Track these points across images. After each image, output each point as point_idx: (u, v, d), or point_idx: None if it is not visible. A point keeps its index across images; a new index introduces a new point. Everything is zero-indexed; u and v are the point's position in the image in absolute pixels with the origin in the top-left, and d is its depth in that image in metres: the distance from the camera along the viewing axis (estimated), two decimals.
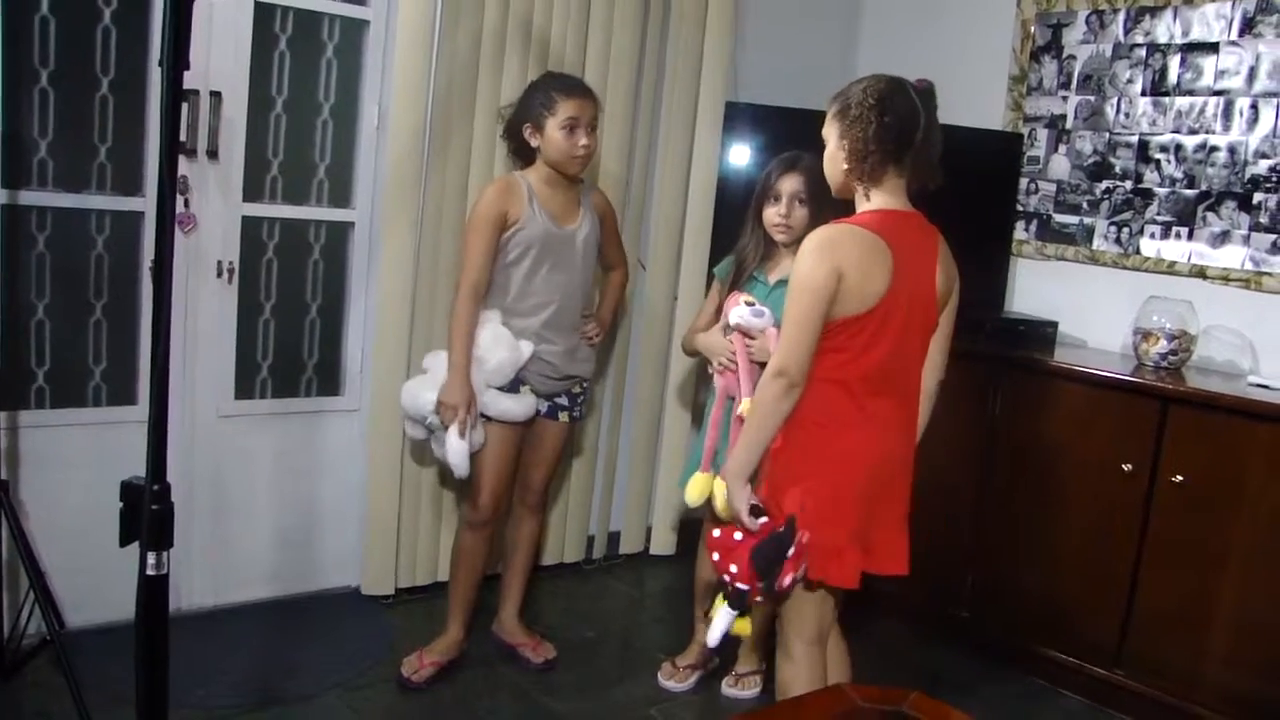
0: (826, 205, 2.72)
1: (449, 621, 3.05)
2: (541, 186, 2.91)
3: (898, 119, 2.17)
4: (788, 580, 2.16)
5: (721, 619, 2.26)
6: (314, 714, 2.78)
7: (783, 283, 2.86)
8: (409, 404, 2.94)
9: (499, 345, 2.87)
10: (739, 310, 2.78)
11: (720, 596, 2.28)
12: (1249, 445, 2.83)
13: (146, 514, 1.52)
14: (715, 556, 2.26)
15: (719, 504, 2.82)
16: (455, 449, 2.82)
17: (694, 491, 2.88)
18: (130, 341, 3.05)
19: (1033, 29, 3.81)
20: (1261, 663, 2.80)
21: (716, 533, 2.25)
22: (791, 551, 2.12)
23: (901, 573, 2.32)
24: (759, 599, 2.25)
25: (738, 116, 3.78)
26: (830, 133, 2.27)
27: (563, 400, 3.06)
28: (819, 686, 2.27)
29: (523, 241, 2.88)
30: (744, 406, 2.72)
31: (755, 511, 2.19)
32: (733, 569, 2.20)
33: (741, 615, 2.27)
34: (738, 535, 2.21)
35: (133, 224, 3.00)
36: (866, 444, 2.24)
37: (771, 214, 2.84)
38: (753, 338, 2.76)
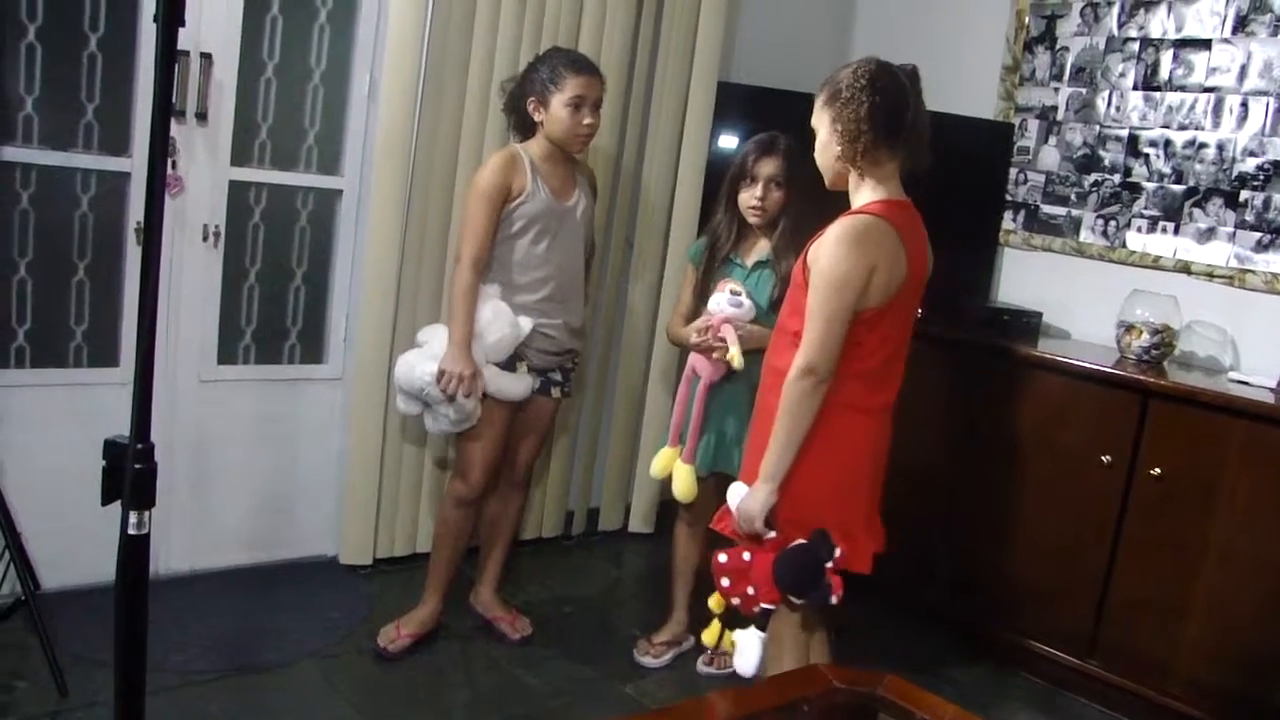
0: (803, 190, 2.73)
1: (427, 593, 3.05)
2: (541, 161, 2.89)
3: (889, 98, 2.18)
4: (835, 598, 2.15)
5: (753, 645, 2.20)
6: (289, 682, 2.77)
7: (760, 264, 2.87)
8: (404, 376, 2.84)
9: (499, 321, 2.84)
10: (717, 298, 2.81)
11: (721, 623, 2.24)
12: (1227, 441, 2.85)
13: (130, 473, 1.50)
14: (725, 582, 2.20)
15: (680, 488, 2.83)
16: (464, 406, 2.78)
17: (657, 465, 2.89)
18: (113, 303, 3.03)
19: (1027, 19, 3.81)
20: (1233, 656, 2.83)
21: (723, 557, 2.21)
22: (831, 564, 2.10)
23: (878, 551, 2.34)
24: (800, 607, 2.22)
25: (730, 97, 3.77)
26: (821, 120, 2.26)
27: (556, 375, 3.05)
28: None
29: (525, 215, 2.86)
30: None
31: (768, 523, 2.18)
32: (750, 591, 2.16)
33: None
34: (746, 555, 2.18)
35: (119, 185, 2.97)
36: (877, 431, 2.25)
37: (747, 196, 2.84)
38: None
